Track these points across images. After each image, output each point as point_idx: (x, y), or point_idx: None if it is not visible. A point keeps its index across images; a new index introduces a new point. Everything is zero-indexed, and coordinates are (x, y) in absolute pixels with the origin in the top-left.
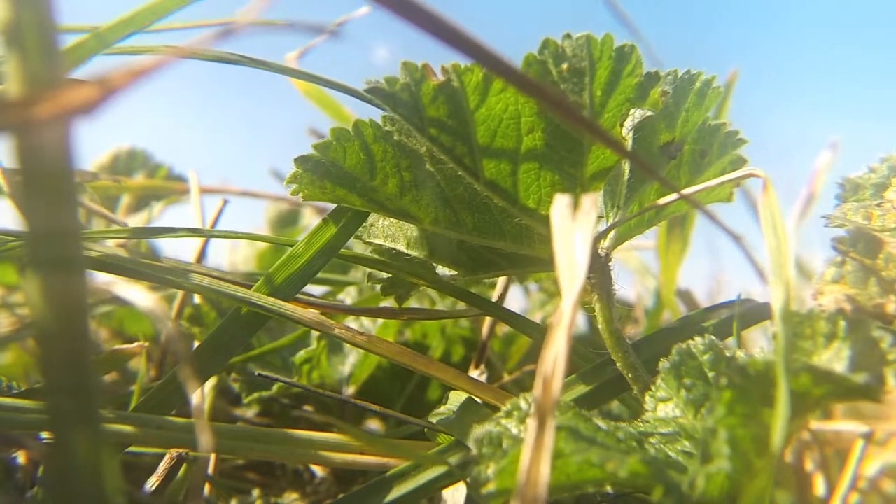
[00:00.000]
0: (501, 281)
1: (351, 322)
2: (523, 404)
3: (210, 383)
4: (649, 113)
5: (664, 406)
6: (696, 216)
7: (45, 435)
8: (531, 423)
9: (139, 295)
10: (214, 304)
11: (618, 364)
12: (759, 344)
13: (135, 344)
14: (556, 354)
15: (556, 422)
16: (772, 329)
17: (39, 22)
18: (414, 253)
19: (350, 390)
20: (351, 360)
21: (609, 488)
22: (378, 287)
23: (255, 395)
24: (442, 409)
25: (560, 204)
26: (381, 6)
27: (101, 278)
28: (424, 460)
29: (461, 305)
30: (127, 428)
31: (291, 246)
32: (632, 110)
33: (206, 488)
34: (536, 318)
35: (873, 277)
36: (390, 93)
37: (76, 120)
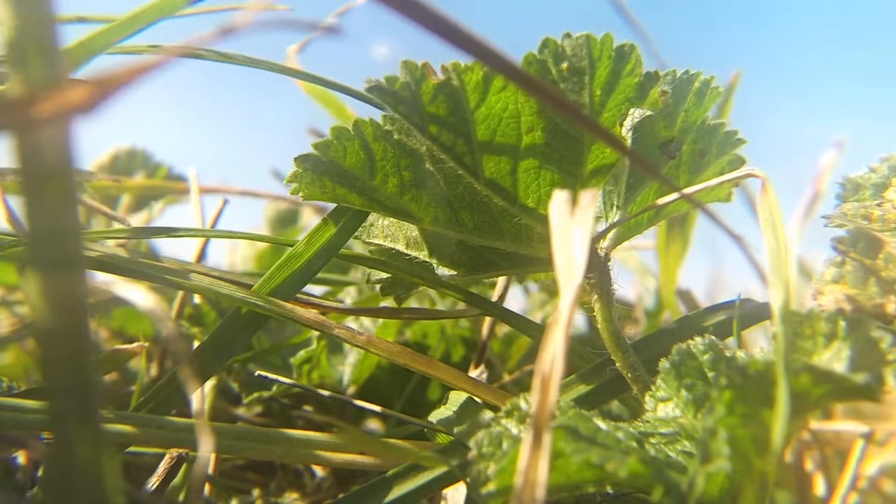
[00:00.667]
0: (501, 281)
1: (351, 322)
2: (523, 404)
3: (210, 383)
4: (649, 112)
5: (664, 406)
6: (697, 216)
7: (45, 435)
8: (529, 422)
9: (139, 295)
10: (214, 304)
11: (618, 364)
12: (759, 344)
13: (135, 344)
14: (554, 354)
15: (556, 422)
16: (772, 329)
17: (39, 22)
18: (413, 253)
19: (350, 390)
20: (351, 360)
21: (609, 488)
22: (377, 287)
23: (255, 395)
24: (442, 409)
25: (558, 201)
26: (382, 4)
27: (101, 278)
28: (424, 460)
29: (461, 305)
30: (127, 428)
31: (291, 246)
32: (631, 110)
33: (206, 488)
34: (536, 317)
35: (873, 277)
36: (390, 91)
37: (76, 120)
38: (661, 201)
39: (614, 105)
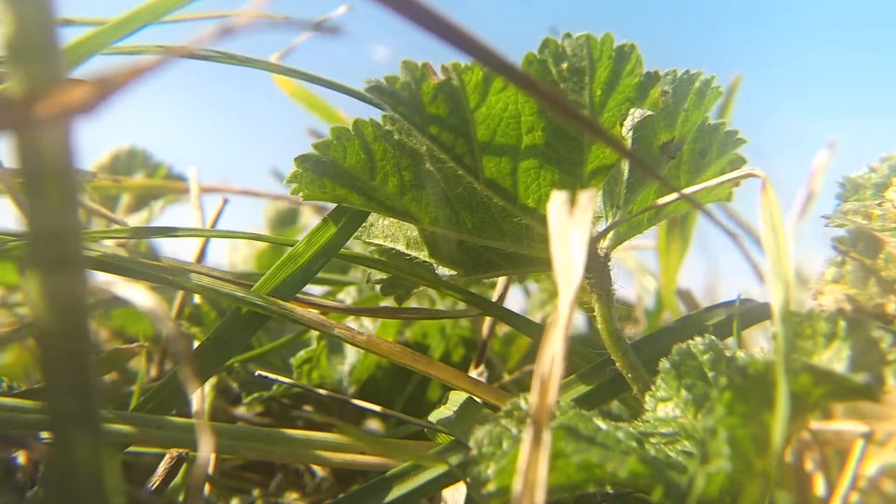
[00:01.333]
0: (501, 281)
1: (351, 322)
2: (523, 404)
3: (210, 383)
4: (649, 112)
5: (664, 406)
6: (696, 216)
7: (45, 435)
8: (529, 423)
9: (139, 295)
10: (214, 304)
11: (618, 364)
12: (759, 344)
13: (135, 344)
14: (553, 355)
15: (556, 422)
16: (772, 329)
17: (39, 22)
18: (414, 253)
19: (350, 390)
20: (351, 360)
21: (609, 488)
22: (378, 287)
23: (255, 395)
24: (442, 409)
25: (556, 201)
26: (381, 4)
27: (101, 278)
28: (424, 460)
29: (461, 305)
30: (127, 428)
31: (291, 246)
32: (631, 110)
33: (206, 488)
34: (536, 317)
35: (873, 277)
36: (390, 91)
37: (76, 119)
38: (661, 201)
39: (614, 105)
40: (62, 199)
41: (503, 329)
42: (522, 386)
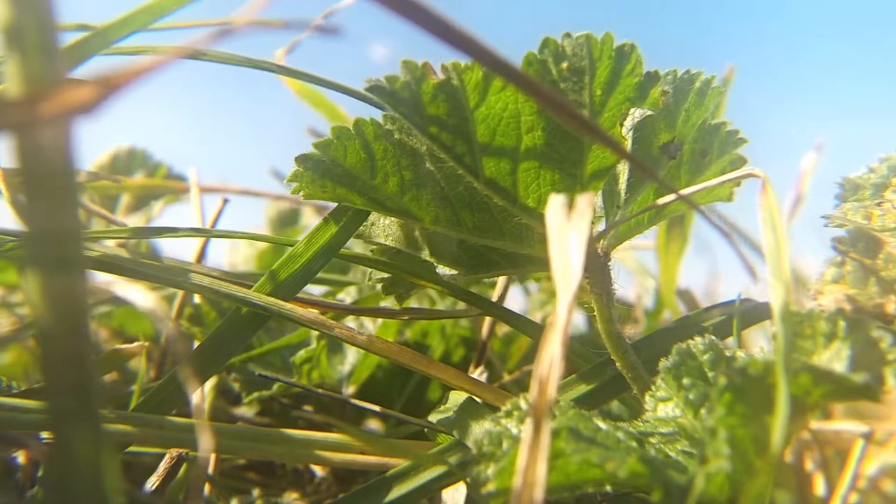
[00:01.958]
0: (501, 280)
1: (351, 322)
2: (523, 404)
3: (210, 383)
4: (649, 112)
5: (664, 406)
6: (695, 215)
7: (45, 435)
8: (528, 424)
9: (139, 295)
10: (214, 304)
11: (617, 364)
12: (759, 344)
13: (135, 344)
14: (552, 356)
15: (556, 422)
16: (772, 329)
17: (39, 22)
18: (414, 252)
19: (350, 390)
20: (351, 359)
21: (609, 488)
22: (379, 286)
23: (255, 394)
24: (442, 409)
25: (555, 205)
26: (380, 5)
27: (101, 278)
28: (424, 460)
29: (461, 305)
30: (127, 428)
31: (292, 245)
32: (632, 109)
33: (206, 488)
34: (536, 317)
35: (873, 277)
36: (390, 91)
37: (76, 119)
38: (661, 201)
39: (615, 105)
40: (62, 199)
41: (503, 329)
42: (522, 386)
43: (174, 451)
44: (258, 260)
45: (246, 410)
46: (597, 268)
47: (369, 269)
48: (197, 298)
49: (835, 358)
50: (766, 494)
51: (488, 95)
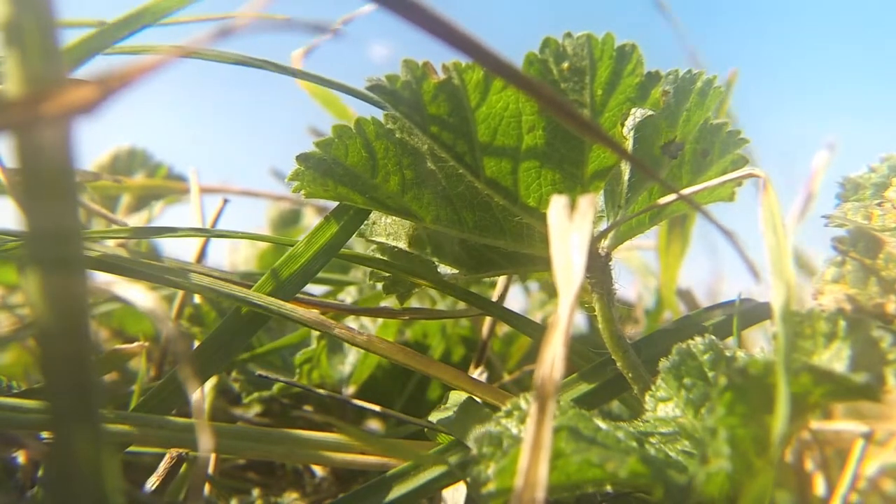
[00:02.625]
0: (502, 280)
1: (351, 322)
2: (523, 404)
3: (210, 383)
4: (650, 112)
5: (664, 406)
6: (696, 215)
7: (45, 435)
8: (529, 424)
9: (139, 295)
10: (214, 304)
11: (618, 364)
12: (759, 344)
13: (135, 344)
14: (553, 356)
15: (557, 422)
16: (772, 329)
17: (39, 21)
18: (415, 251)
19: (350, 390)
20: (351, 359)
21: (609, 488)
22: (379, 286)
23: (255, 394)
24: (442, 409)
25: (556, 205)
26: (382, 6)
27: (101, 278)
28: (424, 460)
29: (461, 305)
30: (127, 428)
31: (292, 245)
32: (633, 110)
33: (206, 488)
34: (537, 317)
35: (873, 277)
36: (391, 90)
37: (76, 119)
38: (662, 201)
39: (615, 105)
40: (62, 199)
41: (503, 329)
42: (522, 386)
43: (174, 451)
44: (259, 260)
45: (246, 410)
46: (598, 268)
47: (370, 269)
48: (197, 298)
49: (835, 358)
50: (766, 494)
51: (489, 95)
